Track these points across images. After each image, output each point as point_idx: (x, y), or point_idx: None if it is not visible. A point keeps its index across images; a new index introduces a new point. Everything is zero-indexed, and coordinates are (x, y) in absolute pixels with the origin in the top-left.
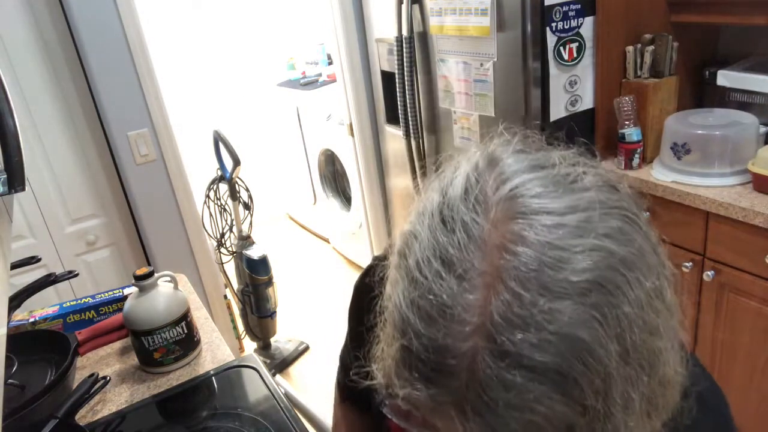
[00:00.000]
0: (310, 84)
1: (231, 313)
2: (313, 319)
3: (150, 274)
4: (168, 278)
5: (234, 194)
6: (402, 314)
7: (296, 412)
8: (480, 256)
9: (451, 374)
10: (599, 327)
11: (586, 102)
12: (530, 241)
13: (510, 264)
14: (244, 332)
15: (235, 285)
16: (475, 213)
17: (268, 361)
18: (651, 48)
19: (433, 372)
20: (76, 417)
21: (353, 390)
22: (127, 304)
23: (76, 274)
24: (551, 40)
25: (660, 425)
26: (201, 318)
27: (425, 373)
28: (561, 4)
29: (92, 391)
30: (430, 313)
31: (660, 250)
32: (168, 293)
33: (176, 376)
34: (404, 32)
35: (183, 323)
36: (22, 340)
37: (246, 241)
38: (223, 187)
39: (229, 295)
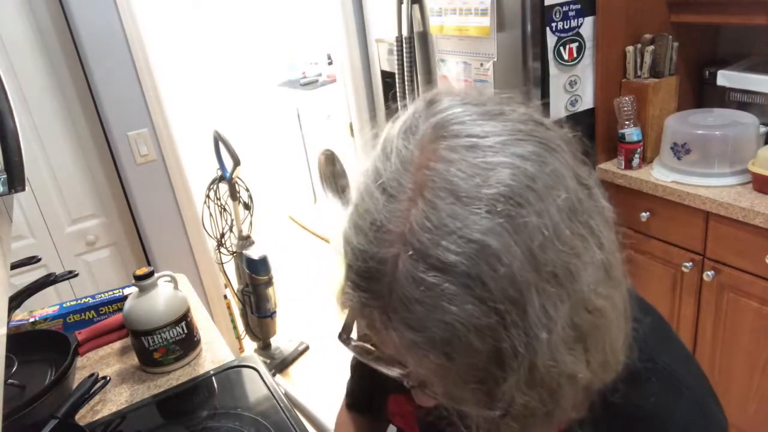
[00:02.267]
0: (310, 84)
1: (231, 313)
2: (313, 319)
3: (150, 274)
4: (168, 278)
5: (234, 194)
6: (345, 237)
7: (296, 412)
8: (407, 175)
9: (378, 279)
10: (507, 235)
11: (586, 102)
12: (448, 159)
13: (429, 178)
14: (244, 332)
15: (235, 285)
16: (407, 141)
17: (268, 361)
18: (651, 48)
19: (363, 278)
20: (76, 417)
21: (360, 398)
22: (127, 304)
23: (76, 274)
24: (551, 40)
25: (605, 374)
26: (201, 318)
27: (357, 280)
28: (561, 4)
29: (92, 391)
30: (362, 227)
31: (592, 187)
32: (168, 293)
33: (176, 376)
34: (404, 32)
35: (183, 323)
36: (22, 340)
37: (246, 241)
38: (223, 187)
39: (229, 295)
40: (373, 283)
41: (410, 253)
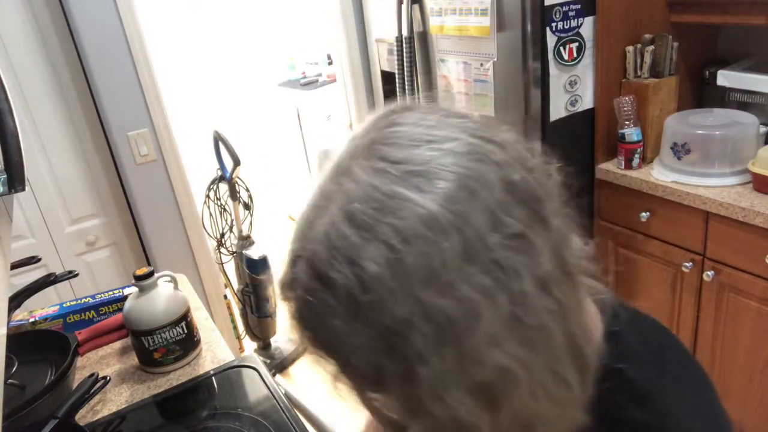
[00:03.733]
0: (310, 84)
1: (231, 313)
2: None
3: (150, 274)
4: (168, 278)
5: (234, 194)
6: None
7: (296, 412)
8: (327, 182)
9: (291, 284)
10: (389, 268)
11: (586, 102)
12: (358, 179)
13: (336, 193)
14: (244, 332)
15: (235, 285)
16: (345, 153)
17: (268, 361)
18: (651, 48)
19: (283, 284)
20: (76, 417)
21: None
22: (127, 304)
23: (76, 274)
24: (551, 40)
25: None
26: (201, 318)
27: (281, 282)
28: (561, 4)
29: (92, 391)
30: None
31: (527, 236)
32: (168, 293)
33: (176, 376)
34: (404, 32)
35: (183, 323)
36: (22, 340)
37: (246, 241)
38: (223, 187)
39: (229, 295)
40: (288, 289)
41: (307, 257)
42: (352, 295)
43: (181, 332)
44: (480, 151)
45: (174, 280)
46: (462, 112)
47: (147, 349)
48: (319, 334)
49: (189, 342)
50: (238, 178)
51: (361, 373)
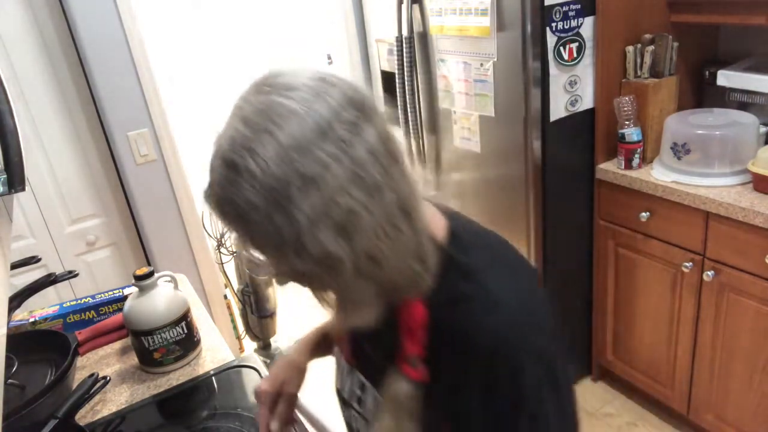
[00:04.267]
0: None
1: (231, 313)
2: (313, 319)
3: (150, 274)
4: (168, 278)
5: None
6: None
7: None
8: (233, 113)
9: (209, 174)
10: (270, 145)
11: (586, 102)
12: (247, 100)
13: (236, 114)
14: (244, 332)
15: (235, 285)
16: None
17: (268, 361)
18: (651, 48)
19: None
20: (76, 417)
21: None
22: (127, 304)
23: (76, 274)
24: (551, 40)
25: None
26: (201, 318)
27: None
28: (561, 4)
29: (92, 391)
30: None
31: (359, 126)
32: (168, 293)
33: (176, 376)
34: (404, 32)
35: (183, 323)
36: (22, 340)
37: None
38: None
39: (229, 295)
40: (208, 190)
41: (218, 150)
42: (249, 170)
43: (181, 332)
44: (328, 81)
45: (174, 280)
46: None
47: (147, 349)
48: (227, 206)
49: (189, 342)
50: None
51: (262, 229)
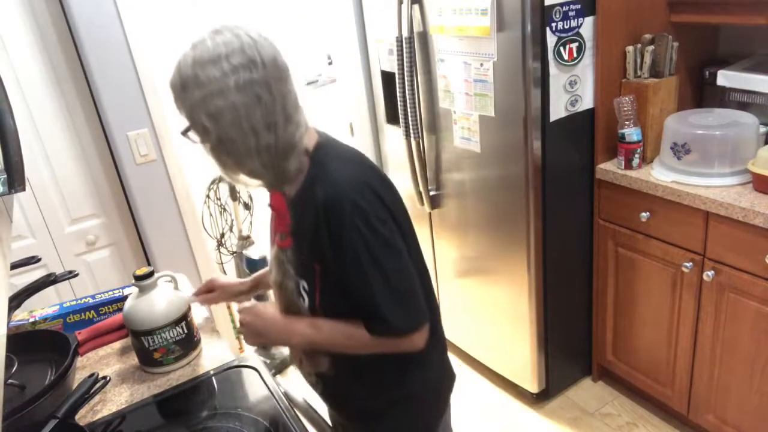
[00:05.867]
0: (310, 84)
1: (231, 313)
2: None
3: (150, 274)
4: (168, 278)
5: (234, 194)
6: None
7: (296, 412)
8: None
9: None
10: (209, 63)
11: (586, 102)
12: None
13: (188, 54)
14: None
15: None
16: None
17: (268, 361)
18: (651, 48)
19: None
20: (76, 417)
21: None
22: (127, 303)
23: (76, 274)
24: (551, 40)
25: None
26: (201, 318)
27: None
28: (561, 4)
29: (92, 391)
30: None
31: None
32: (168, 293)
33: (176, 376)
34: (404, 32)
35: (183, 323)
36: (22, 340)
37: (246, 241)
38: (223, 187)
39: None
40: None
41: (178, 67)
42: (177, 67)
43: (181, 332)
44: (249, 38)
45: (174, 280)
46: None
47: (147, 349)
48: (186, 103)
49: (189, 342)
50: None
51: (181, 100)
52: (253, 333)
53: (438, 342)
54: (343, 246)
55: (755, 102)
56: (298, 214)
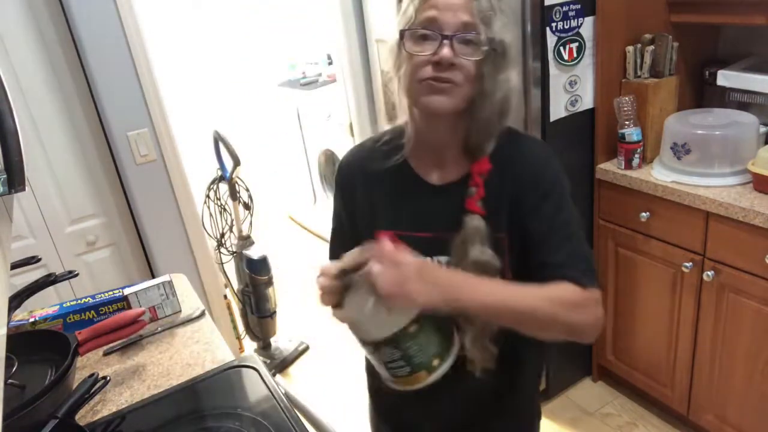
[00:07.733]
0: (310, 84)
1: (231, 313)
2: (313, 319)
3: None
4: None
5: (234, 194)
6: None
7: (296, 412)
8: None
9: None
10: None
11: (586, 102)
12: None
13: None
14: (244, 332)
15: (235, 285)
16: None
17: (268, 361)
18: (651, 48)
19: None
20: (76, 417)
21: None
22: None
23: (76, 274)
24: (551, 40)
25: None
26: (200, 318)
27: None
28: (561, 4)
29: (92, 391)
30: None
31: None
32: None
33: (176, 376)
34: None
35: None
36: (22, 340)
37: (246, 241)
38: (223, 187)
39: (229, 295)
40: None
41: None
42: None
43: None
44: None
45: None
46: None
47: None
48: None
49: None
50: (238, 178)
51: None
52: (396, 278)
53: None
54: (548, 202)
55: (755, 102)
56: (493, 182)
